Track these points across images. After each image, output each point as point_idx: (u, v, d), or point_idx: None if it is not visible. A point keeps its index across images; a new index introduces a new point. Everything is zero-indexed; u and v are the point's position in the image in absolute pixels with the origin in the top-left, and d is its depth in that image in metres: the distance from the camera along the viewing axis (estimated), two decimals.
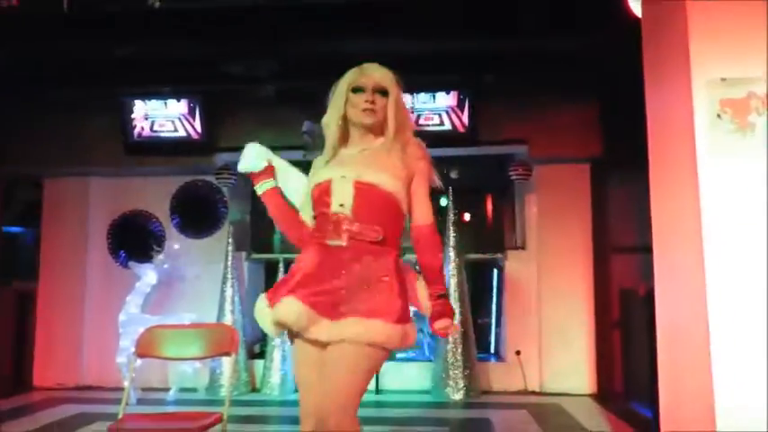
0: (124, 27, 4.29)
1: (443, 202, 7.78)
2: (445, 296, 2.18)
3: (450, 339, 5.97)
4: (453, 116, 6.06)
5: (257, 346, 6.84)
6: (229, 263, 6.35)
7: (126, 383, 3.31)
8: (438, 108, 6.08)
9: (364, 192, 2.09)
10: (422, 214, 2.19)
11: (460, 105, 6.05)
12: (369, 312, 2.01)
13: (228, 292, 6.30)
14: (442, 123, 6.08)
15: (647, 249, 3.35)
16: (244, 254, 6.84)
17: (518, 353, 6.34)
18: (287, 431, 5.11)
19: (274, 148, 6.82)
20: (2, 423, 4.82)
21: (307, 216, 2.27)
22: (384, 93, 2.17)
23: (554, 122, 6.16)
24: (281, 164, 2.38)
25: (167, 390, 5.93)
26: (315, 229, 2.19)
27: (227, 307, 6.26)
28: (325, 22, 4.96)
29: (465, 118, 6.05)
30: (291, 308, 2.05)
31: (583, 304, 6.26)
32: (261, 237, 7.57)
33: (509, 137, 6.26)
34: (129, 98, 6.19)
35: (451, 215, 6.27)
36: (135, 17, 3.82)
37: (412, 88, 6.05)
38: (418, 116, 6.07)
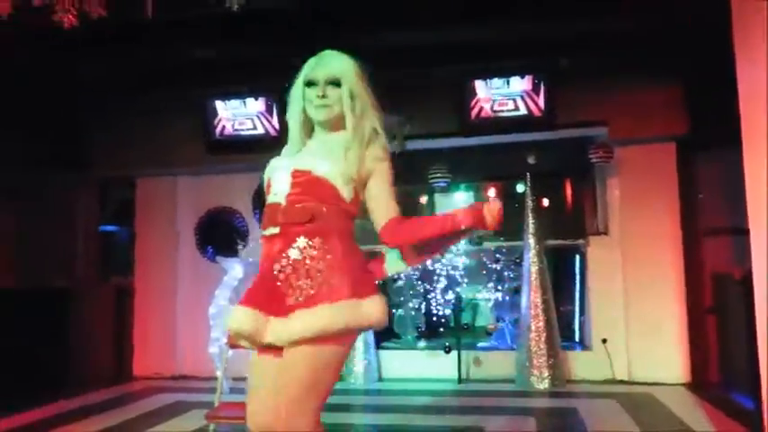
0: (204, 30, 4.45)
1: (520, 188, 7.64)
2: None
3: (533, 327, 5.88)
4: (529, 100, 5.93)
5: None
6: None
7: (219, 373, 3.44)
8: (513, 93, 5.97)
9: (299, 179, 1.97)
10: (383, 214, 2.03)
11: (536, 89, 5.91)
12: (312, 299, 1.87)
13: None
14: (517, 108, 5.96)
15: (742, 231, 3.18)
16: None
17: (604, 341, 6.16)
18: (372, 419, 5.20)
19: None
20: (106, 411, 5.17)
21: None
22: (337, 84, 2.03)
23: (635, 102, 5.92)
24: None
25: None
26: (263, 224, 2.07)
27: None
28: (395, 11, 4.96)
29: (541, 101, 5.90)
30: (236, 315, 1.94)
31: (672, 290, 6.00)
32: None
33: (588, 119, 6.07)
34: (209, 99, 6.43)
35: (529, 201, 6.15)
36: (214, 20, 3.95)
37: (485, 74, 5.98)
38: (493, 102, 5.98)
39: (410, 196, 8.60)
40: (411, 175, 7.60)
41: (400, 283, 6.97)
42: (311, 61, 2.10)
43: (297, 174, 1.97)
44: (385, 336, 7.00)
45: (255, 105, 6.41)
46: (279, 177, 2.01)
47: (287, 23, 4.52)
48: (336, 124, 2.06)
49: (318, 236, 1.94)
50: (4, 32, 3.02)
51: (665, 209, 6.07)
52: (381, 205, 2.02)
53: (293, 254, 1.92)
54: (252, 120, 6.41)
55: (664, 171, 6.10)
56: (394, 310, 7.10)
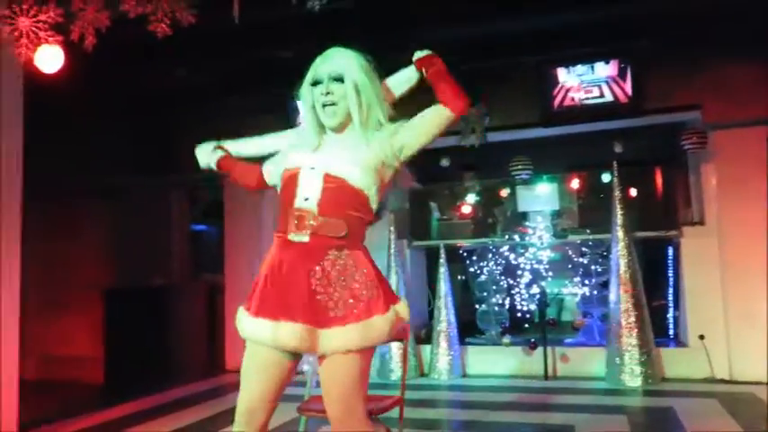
0: (286, 32, 4.56)
1: (606, 178, 7.38)
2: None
3: (623, 323, 5.66)
4: (614, 86, 5.70)
5: (423, 332, 6.98)
6: (392, 251, 6.53)
7: (306, 367, 3.52)
8: (597, 79, 5.76)
9: (333, 186, 1.97)
10: (407, 137, 2.09)
11: (622, 74, 5.68)
12: (363, 313, 1.94)
13: (393, 279, 6.48)
14: (602, 95, 5.75)
15: None
16: (405, 241, 7.00)
17: (701, 337, 5.85)
18: (456, 415, 5.17)
19: None
20: (200, 403, 5.40)
21: (266, 171, 2.28)
22: (341, 79, 2.00)
23: (729, 84, 5.58)
24: (234, 144, 2.43)
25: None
26: (278, 225, 2.06)
27: None
28: (472, 2, 4.90)
29: (628, 87, 5.67)
30: (285, 331, 1.95)
31: None
32: (420, 224, 7.71)
33: (679, 103, 5.77)
34: (291, 99, 6.56)
35: (617, 192, 5.92)
36: (296, 21, 4.04)
37: (568, 61, 5.80)
38: (577, 90, 5.80)
39: (491, 189, 8.49)
40: (492, 168, 7.50)
41: (483, 278, 6.89)
42: (316, 60, 2.08)
43: (330, 179, 1.97)
44: (468, 331, 6.95)
45: None
46: (308, 179, 1.99)
47: (365, 21, 4.56)
48: (347, 122, 2.05)
49: (348, 249, 1.98)
50: (104, 45, 3.20)
51: (765, 197, 5.67)
52: (426, 115, 2.09)
53: (327, 266, 1.96)
54: None
55: (763, 156, 5.71)
56: (477, 306, 7.03)
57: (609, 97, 5.73)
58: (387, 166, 2.04)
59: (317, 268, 1.95)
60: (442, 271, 6.54)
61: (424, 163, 7.53)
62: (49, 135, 5.54)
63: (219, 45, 4.80)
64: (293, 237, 1.98)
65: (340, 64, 2.02)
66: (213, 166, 2.35)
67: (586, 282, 6.70)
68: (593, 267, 6.68)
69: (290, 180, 2.02)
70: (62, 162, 6.57)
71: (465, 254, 7.18)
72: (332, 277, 1.96)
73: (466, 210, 8.06)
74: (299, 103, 2.14)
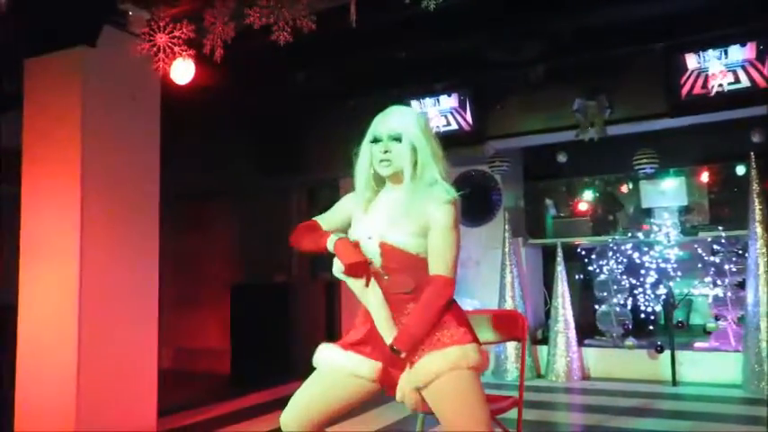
0: (402, 32, 4.60)
1: (741, 170, 6.83)
2: (397, 351, 2.03)
3: (764, 326, 5.22)
4: (752, 70, 5.23)
5: (540, 332, 6.81)
6: (507, 249, 6.42)
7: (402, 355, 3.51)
8: (732, 64, 5.31)
9: (390, 253, 2.07)
10: (434, 265, 2.05)
11: (760, 57, 5.21)
12: (441, 344, 2.02)
13: (508, 278, 6.37)
14: (737, 80, 5.30)
15: None
16: (521, 239, 6.86)
17: None
18: (577, 419, 5.00)
19: (544, 131, 6.72)
20: None
21: (328, 226, 2.29)
22: (399, 139, 2.10)
23: None
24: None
25: None
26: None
27: (508, 293, 6.34)
28: None
29: (767, 70, 5.20)
30: (363, 366, 2.11)
31: None
32: (536, 222, 7.53)
33: None
34: (405, 99, 6.63)
35: (755, 185, 5.46)
36: (411, 21, 4.07)
37: (697, 46, 5.41)
38: (706, 76, 5.39)
39: (611, 184, 8.14)
40: (613, 163, 7.18)
41: (604, 277, 6.60)
42: (377, 118, 2.19)
43: (386, 247, 2.07)
44: (587, 333, 6.69)
45: (449, 102, 6.48)
46: (367, 246, 2.10)
47: (478, 16, 4.51)
48: (400, 178, 2.12)
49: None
50: (230, 54, 3.39)
51: None
52: (435, 257, 2.06)
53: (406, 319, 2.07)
54: (445, 116, 6.50)
55: None
56: (597, 306, 6.75)
57: (746, 82, 5.27)
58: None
59: (400, 322, 2.08)
60: (560, 270, 6.34)
61: (539, 158, 7.36)
62: (182, 141, 5.95)
63: (337, 48, 4.93)
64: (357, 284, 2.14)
65: (398, 123, 2.13)
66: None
67: (719, 282, 6.23)
68: (726, 267, 6.20)
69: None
70: (194, 166, 7.05)
71: (583, 252, 6.92)
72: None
73: (584, 206, 7.77)
74: (360, 157, 2.22)
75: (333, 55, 5.21)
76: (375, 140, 2.15)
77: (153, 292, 4.41)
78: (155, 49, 3.53)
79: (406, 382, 2.05)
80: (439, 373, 1.99)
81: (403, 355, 2.03)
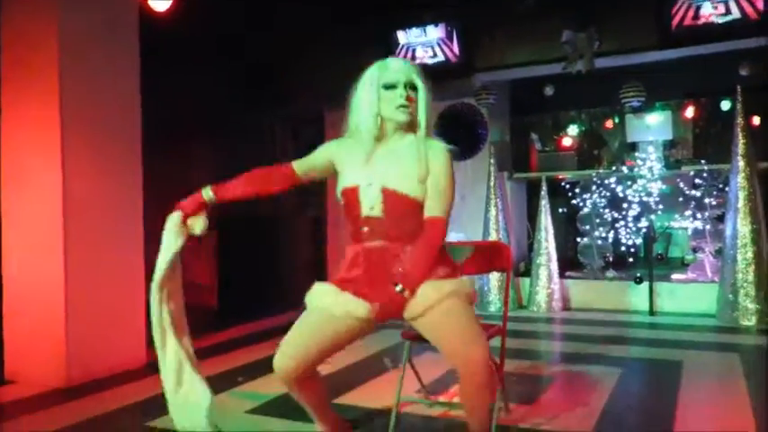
0: None
1: (726, 105, 6.84)
2: (402, 290, 2.12)
3: (739, 258, 5.35)
4: (743, 1, 5.16)
5: (522, 265, 6.93)
6: (492, 183, 6.44)
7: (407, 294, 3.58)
8: None
9: (392, 198, 2.14)
10: (433, 207, 2.15)
11: None
12: (436, 276, 2.14)
13: (492, 211, 6.43)
14: (728, 12, 5.23)
15: None
16: (506, 174, 6.88)
17: None
18: (558, 347, 5.16)
19: (532, 63, 6.64)
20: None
21: (300, 167, 2.39)
22: (415, 88, 2.17)
23: None
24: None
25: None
26: (352, 232, 2.26)
27: (492, 226, 6.41)
28: None
29: (759, 1, 5.12)
30: (355, 306, 2.16)
31: None
32: (521, 156, 7.53)
33: None
34: (392, 29, 6.47)
35: (739, 119, 5.48)
36: None
37: None
38: (697, 7, 5.31)
39: (597, 119, 8.12)
40: (600, 96, 7.15)
41: (586, 211, 6.68)
42: (380, 65, 2.23)
43: (387, 192, 2.14)
44: (569, 266, 6.83)
45: (435, 32, 6.35)
46: (367, 193, 2.16)
47: None
48: (407, 126, 2.20)
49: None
50: None
51: None
52: (432, 200, 2.15)
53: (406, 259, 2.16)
54: (432, 47, 6.38)
55: None
56: (579, 239, 6.86)
57: (736, 14, 5.21)
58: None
59: (400, 269, 2.15)
60: (543, 203, 6.40)
61: (526, 92, 7.30)
62: (162, 72, 5.80)
63: None
64: (369, 244, 2.20)
65: (414, 73, 2.19)
66: (207, 199, 2.35)
67: (698, 215, 6.34)
68: (707, 200, 6.30)
69: (352, 194, 2.20)
70: (175, 97, 6.89)
71: (567, 186, 6.97)
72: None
73: (569, 141, 7.77)
74: (363, 104, 2.22)
75: None
76: (389, 86, 2.17)
77: (138, 225, 4.39)
78: None
79: (407, 314, 2.15)
80: (439, 299, 2.10)
81: (407, 294, 2.10)
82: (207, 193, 2.34)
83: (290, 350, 2.19)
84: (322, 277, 8.53)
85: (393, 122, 2.20)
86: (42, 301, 3.93)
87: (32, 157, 3.98)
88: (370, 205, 2.16)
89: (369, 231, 2.19)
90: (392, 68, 2.20)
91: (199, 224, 2.36)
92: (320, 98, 7.20)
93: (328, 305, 2.21)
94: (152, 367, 4.48)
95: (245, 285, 6.77)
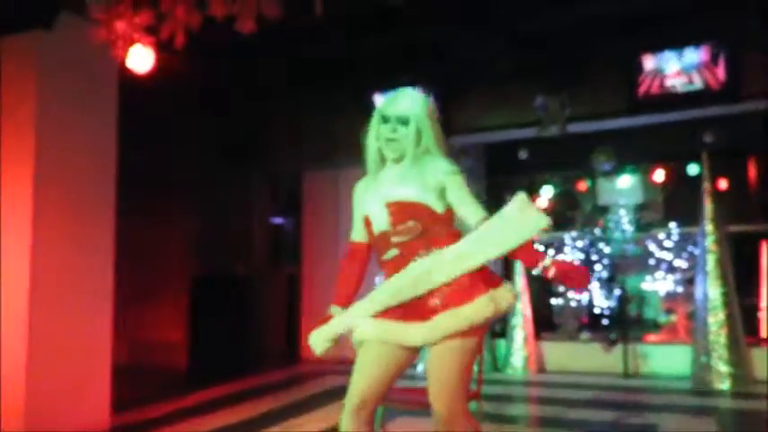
0: (367, 23, 4.58)
1: (694, 170, 7.04)
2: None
3: (711, 321, 5.40)
4: (706, 72, 5.40)
5: (498, 326, 6.90)
6: None
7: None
8: (687, 65, 5.48)
9: (395, 208, 2.20)
10: (470, 214, 2.21)
11: (714, 59, 5.38)
12: (453, 300, 2.09)
13: None
14: (691, 81, 5.47)
15: None
16: None
17: None
18: (534, 411, 5.09)
19: (507, 127, 6.78)
20: (276, 391, 5.52)
21: (357, 234, 2.40)
22: (406, 122, 2.23)
23: None
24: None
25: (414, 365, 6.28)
26: (377, 254, 2.31)
27: None
28: None
29: (720, 72, 5.36)
30: (366, 329, 2.21)
31: None
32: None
33: None
34: (371, 93, 6.59)
35: (706, 183, 5.63)
36: (376, 14, 4.06)
37: (654, 46, 5.55)
38: (662, 77, 5.54)
39: (570, 181, 8.28)
40: (572, 160, 7.31)
41: None
42: (387, 98, 2.32)
43: (391, 205, 2.20)
44: (544, 326, 6.82)
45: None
46: (375, 211, 2.24)
47: (444, 11, 4.53)
48: (402, 158, 2.26)
49: (435, 245, 2.16)
50: (194, 43, 3.32)
51: None
52: (467, 207, 2.21)
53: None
54: None
55: None
56: (553, 301, 6.88)
57: (699, 84, 5.44)
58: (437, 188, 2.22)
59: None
60: (519, 265, 6.44)
61: (502, 154, 7.45)
62: (142, 129, 5.81)
63: (301, 38, 4.88)
64: (386, 256, 2.24)
65: (407, 107, 2.25)
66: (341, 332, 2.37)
67: (671, 277, 6.43)
68: (677, 263, 6.40)
69: (367, 223, 2.30)
70: (154, 154, 6.88)
71: (543, 247, 7.04)
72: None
73: (543, 203, 7.90)
74: (369, 136, 2.33)
75: (296, 44, 5.16)
76: (383, 120, 2.27)
77: (107, 284, 4.30)
78: (113, 35, 3.44)
79: (421, 338, 2.13)
80: (454, 331, 2.08)
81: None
82: (336, 311, 2.41)
83: (354, 389, 2.20)
84: (294, 338, 8.41)
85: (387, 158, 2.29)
86: (4, 360, 3.79)
87: (3, 217, 3.91)
88: (381, 225, 2.23)
89: (383, 248, 2.24)
90: (391, 102, 2.29)
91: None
92: (300, 157, 7.27)
93: (376, 336, 2.21)
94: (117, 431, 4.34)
95: (216, 345, 6.61)
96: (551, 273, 2.11)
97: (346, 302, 2.40)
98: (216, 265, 7.35)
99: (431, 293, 2.13)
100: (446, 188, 2.20)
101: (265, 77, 6.07)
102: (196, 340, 6.79)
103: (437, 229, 2.19)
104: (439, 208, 2.20)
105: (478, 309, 2.09)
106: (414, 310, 2.15)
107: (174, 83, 5.08)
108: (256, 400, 5.07)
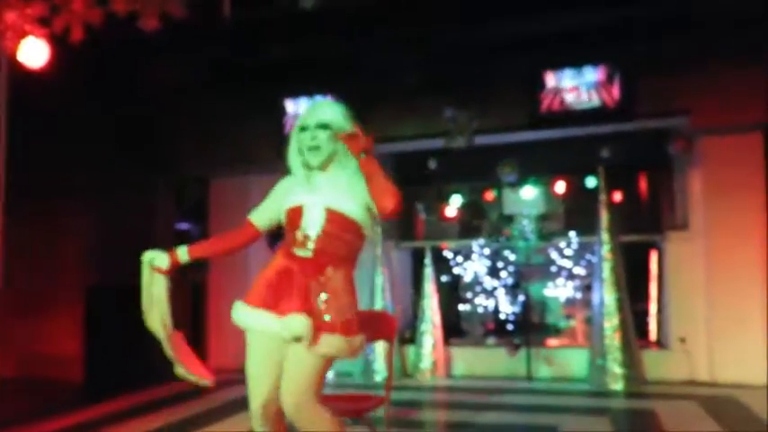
0: (278, 29, 4.53)
1: (592, 182, 7.41)
2: None
3: (607, 325, 5.70)
4: (603, 91, 5.74)
5: (407, 332, 6.97)
6: (379, 251, 6.52)
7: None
8: (586, 83, 5.80)
9: (334, 218, 2.28)
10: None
11: (610, 79, 5.73)
12: (338, 327, 2.22)
13: (379, 279, 6.48)
14: (590, 99, 5.79)
15: None
16: (392, 242, 6.99)
17: (683, 340, 5.91)
18: (442, 416, 5.18)
19: (416, 137, 6.90)
20: (180, 403, 5.32)
21: (259, 219, 2.47)
22: (326, 127, 2.31)
23: (718, 89, 5.64)
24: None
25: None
26: (286, 241, 2.38)
27: (378, 294, 6.44)
28: (458, 3, 4.92)
29: (616, 91, 5.71)
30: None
31: (759, 287, 5.68)
32: (408, 225, 7.71)
33: (668, 108, 5.82)
34: (281, 98, 6.52)
35: (602, 195, 5.95)
36: (288, 19, 4.03)
37: (556, 65, 5.83)
38: (564, 93, 5.82)
39: (477, 191, 8.50)
40: (479, 171, 7.51)
41: (467, 279, 6.91)
42: (304, 111, 2.42)
43: (331, 213, 2.28)
44: (452, 332, 6.96)
45: None
46: (311, 212, 2.29)
47: (356, 21, 4.55)
48: (329, 163, 2.35)
49: (342, 268, 2.30)
50: (93, 41, 3.16)
51: (751, 202, 5.75)
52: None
53: (323, 280, 2.27)
54: None
55: (750, 162, 5.78)
56: (461, 307, 7.04)
57: (596, 102, 5.77)
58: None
59: (316, 281, 2.26)
60: (428, 272, 6.54)
61: (410, 164, 7.55)
62: (33, 132, 5.46)
63: (208, 41, 4.77)
64: (298, 251, 2.30)
65: (325, 113, 2.34)
66: (182, 260, 2.49)
67: (570, 284, 6.74)
68: (577, 270, 6.72)
69: (295, 213, 2.33)
70: (46, 158, 6.48)
71: (450, 255, 7.19)
72: (326, 290, 2.26)
73: (452, 212, 8.08)
74: (291, 144, 2.40)
75: (204, 47, 5.03)
76: (302, 129, 2.34)
77: None
78: (2, 26, 3.21)
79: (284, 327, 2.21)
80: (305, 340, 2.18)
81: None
82: (183, 255, 2.47)
83: (252, 388, 2.31)
84: (201, 350, 8.14)
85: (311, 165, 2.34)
86: None
87: None
88: (313, 224, 2.28)
89: (301, 245, 2.29)
90: (309, 111, 2.38)
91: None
92: (204, 163, 7.06)
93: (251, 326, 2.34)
94: None
95: (115, 357, 6.27)
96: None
97: (196, 254, 2.48)
98: (114, 272, 6.99)
99: (319, 307, 2.23)
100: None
101: (171, 78, 5.86)
102: (93, 352, 6.42)
103: (351, 255, 2.34)
104: (368, 230, 2.34)
105: (345, 344, 2.23)
106: (311, 313, 2.21)
107: (71, 79, 4.82)
108: (158, 413, 4.87)
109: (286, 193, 2.40)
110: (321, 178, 2.35)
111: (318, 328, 2.19)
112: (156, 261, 2.49)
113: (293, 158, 2.38)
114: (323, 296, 2.24)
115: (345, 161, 2.32)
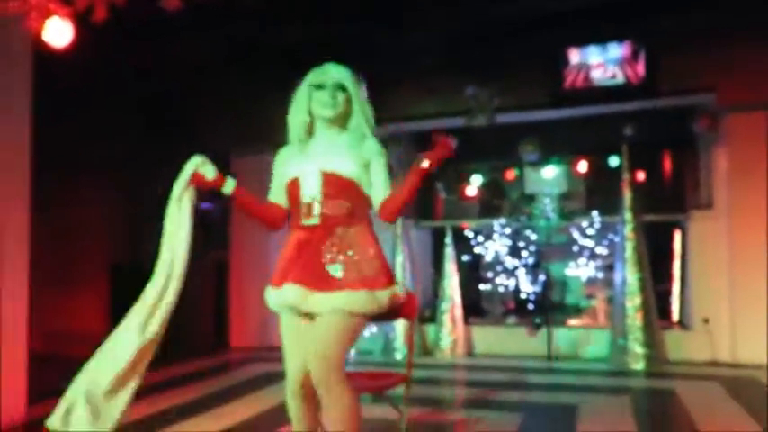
0: (294, 10, 4.52)
1: (615, 161, 7.33)
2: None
3: (628, 305, 5.67)
4: (627, 68, 5.64)
5: (427, 311, 7.00)
6: (399, 231, 6.53)
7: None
8: (610, 60, 5.71)
9: (330, 179, 2.29)
10: (378, 197, 2.33)
11: (635, 55, 5.62)
12: (353, 282, 2.22)
13: (399, 258, 6.50)
14: (614, 76, 5.70)
15: None
16: (412, 222, 7.00)
17: (706, 321, 5.86)
18: (461, 394, 5.21)
19: (437, 116, 6.86)
20: (205, 379, 5.45)
21: (276, 198, 2.46)
22: (343, 89, 2.34)
23: (745, 66, 5.54)
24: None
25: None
26: (292, 217, 2.39)
27: (398, 273, 6.47)
28: None
29: (641, 68, 5.61)
30: (286, 291, 2.26)
31: None
32: (427, 205, 7.70)
33: (692, 86, 5.71)
34: (299, 78, 6.52)
35: (626, 175, 5.89)
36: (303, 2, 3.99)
37: (580, 41, 5.74)
38: (588, 70, 5.74)
39: (498, 171, 8.46)
40: (500, 150, 7.47)
41: (488, 259, 6.90)
42: (316, 71, 2.40)
43: (327, 174, 2.28)
44: (472, 312, 6.97)
45: None
46: (308, 180, 2.30)
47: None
48: (339, 123, 2.37)
49: (353, 226, 2.30)
50: (118, 20, 3.17)
51: None
52: (377, 191, 2.34)
53: (336, 240, 2.27)
54: None
55: None
56: (481, 286, 7.05)
57: (621, 79, 5.68)
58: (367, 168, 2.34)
59: (328, 242, 2.27)
60: (448, 251, 6.55)
61: (431, 142, 7.52)
62: (58, 111, 5.53)
63: (231, 20, 4.77)
64: (305, 222, 2.31)
65: (343, 75, 2.36)
66: (224, 188, 2.41)
67: (592, 264, 6.70)
68: (598, 250, 6.67)
69: (293, 186, 2.34)
70: (72, 133, 6.56)
71: (471, 235, 7.18)
72: (340, 249, 2.26)
73: (472, 191, 8.05)
74: (296, 104, 2.39)
75: (225, 26, 5.04)
76: (318, 87, 2.34)
77: (22, 270, 4.09)
78: (27, 6, 3.24)
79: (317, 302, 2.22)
80: (340, 310, 2.19)
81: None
82: (230, 184, 2.39)
83: (287, 363, 2.33)
84: (224, 326, 8.26)
85: (322, 120, 2.35)
86: None
87: None
88: (311, 191, 2.29)
89: (307, 215, 2.30)
90: (323, 71, 2.37)
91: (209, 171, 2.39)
92: (226, 140, 7.09)
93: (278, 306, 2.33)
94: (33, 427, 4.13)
95: None
96: (425, 164, 2.30)
97: (240, 194, 2.41)
98: (140, 250, 7.11)
99: (334, 263, 2.24)
100: (370, 167, 2.32)
101: (193, 57, 5.88)
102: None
103: (359, 212, 2.32)
104: (368, 189, 2.32)
105: (370, 299, 2.22)
106: (319, 278, 2.23)
107: (95, 57, 4.85)
108: (184, 388, 4.96)
109: (283, 166, 2.41)
110: (316, 144, 2.37)
111: (335, 286, 2.20)
112: (202, 167, 2.41)
113: (295, 116, 2.38)
114: (337, 256, 2.25)
115: (355, 130, 2.35)
